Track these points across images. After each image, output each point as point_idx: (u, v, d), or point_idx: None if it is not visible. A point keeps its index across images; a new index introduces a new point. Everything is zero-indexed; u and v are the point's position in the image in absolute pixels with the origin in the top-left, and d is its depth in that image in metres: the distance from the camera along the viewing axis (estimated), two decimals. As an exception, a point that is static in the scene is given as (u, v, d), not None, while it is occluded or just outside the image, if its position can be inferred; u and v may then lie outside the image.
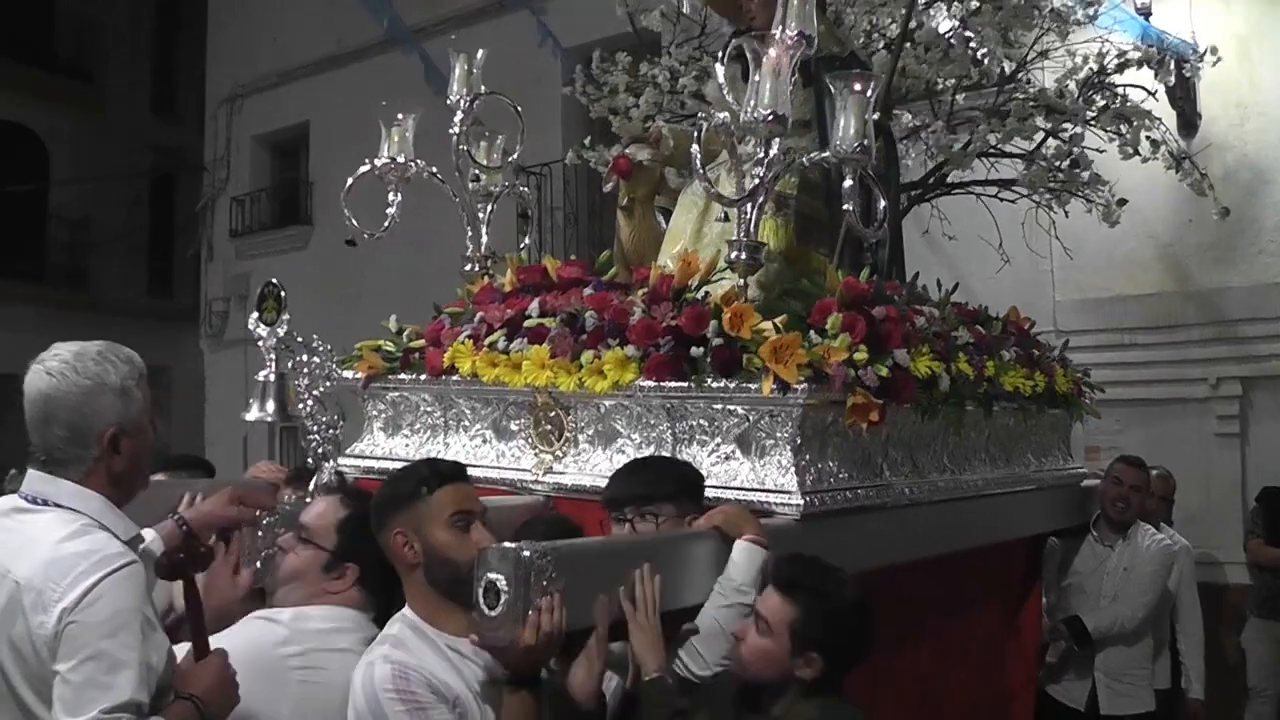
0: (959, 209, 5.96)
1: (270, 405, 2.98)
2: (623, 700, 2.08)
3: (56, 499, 1.86)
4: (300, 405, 2.84)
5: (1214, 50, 5.64)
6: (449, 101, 3.64)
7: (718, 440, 2.61)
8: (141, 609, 1.78)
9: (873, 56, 4.95)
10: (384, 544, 2.12)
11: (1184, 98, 6.36)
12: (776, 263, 3.12)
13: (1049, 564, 4.24)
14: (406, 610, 2.09)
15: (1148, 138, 5.25)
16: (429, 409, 3.24)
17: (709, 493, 2.47)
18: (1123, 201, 5.33)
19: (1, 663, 1.78)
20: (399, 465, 2.81)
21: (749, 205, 2.75)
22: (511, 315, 3.03)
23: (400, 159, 3.55)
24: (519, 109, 3.76)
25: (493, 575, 1.85)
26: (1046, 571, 4.21)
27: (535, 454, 2.94)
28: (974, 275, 5.51)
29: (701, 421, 2.63)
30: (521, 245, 4.04)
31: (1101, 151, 5.32)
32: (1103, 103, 5.28)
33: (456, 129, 3.61)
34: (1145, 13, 6.11)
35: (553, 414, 2.89)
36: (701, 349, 2.59)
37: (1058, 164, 5.21)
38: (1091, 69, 5.32)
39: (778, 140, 2.72)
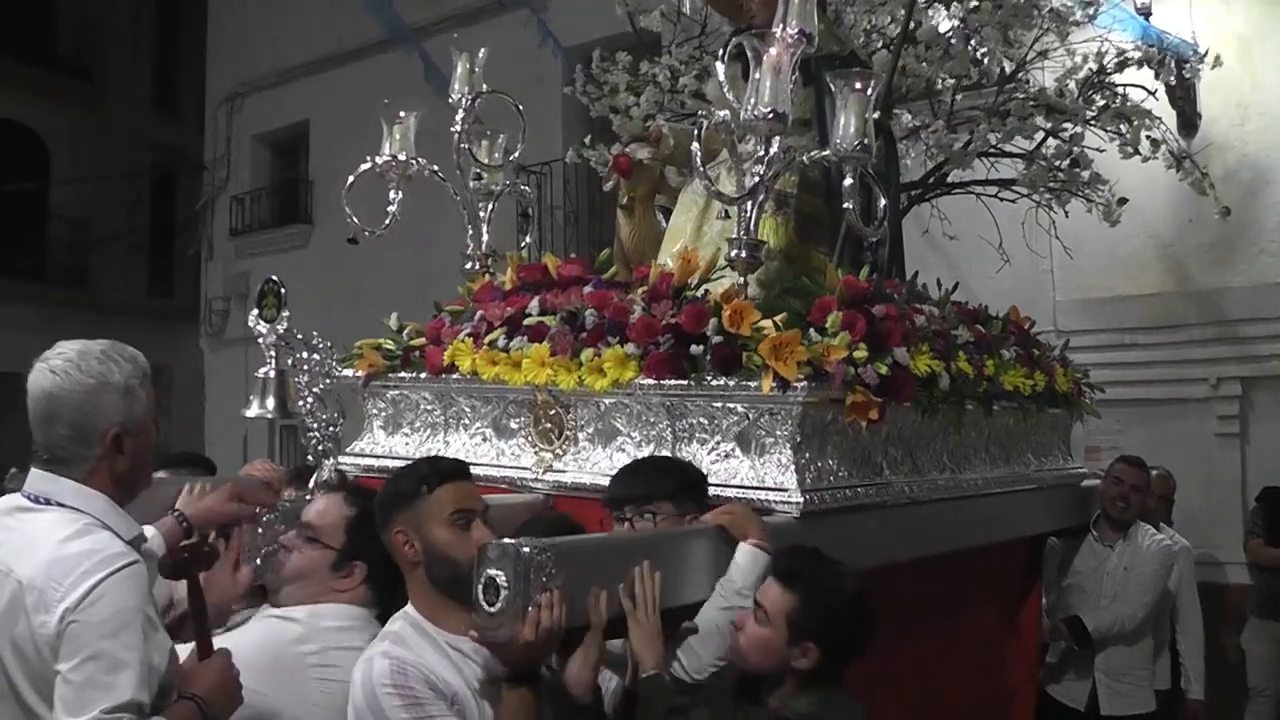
0: (959, 209, 5.96)
1: (270, 402, 2.98)
2: (623, 698, 2.08)
3: (59, 498, 1.85)
4: (300, 402, 2.84)
5: (1215, 55, 5.63)
6: (451, 100, 3.64)
7: (717, 438, 2.62)
8: (143, 609, 1.78)
9: (873, 56, 4.95)
10: (386, 542, 2.13)
11: (1184, 98, 6.36)
12: (776, 261, 3.12)
13: (1049, 564, 4.24)
14: (409, 608, 2.10)
15: (1148, 137, 5.25)
16: (429, 407, 3.24)
17: (709, 491, 2.47)
18: (1123, 200, 5.32)
19: (3, 662, 1.78)
20: (399, 464, 2.82)
21: (749, 203, 2.75)
22: (511, 313, 3.03)
23: (402, 157, 3.55)
24: (520, 108, 3.76)
25: (492, 571, 1.85)
26: (1047, 571, 4.21)
27: (535, 452, 2.94)
28: (974, 275, 5.51)
29: (701, 420, 2.64)
30: (522, 244, 4.04)
31: (1101, 151, 5.32)
32: (1103, 102, 5.28)
33: (458, 127, 3.61)
34: (1145, 12, 6.11)
35: (553, 412, 2.89)
36: (701, 347, 2.59)
37: (1058, 163, 5.21)
38: (1091, 69, 5.32)
39: (778, 138, 2.72)
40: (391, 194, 3.62)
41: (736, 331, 2.56)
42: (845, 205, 2.80)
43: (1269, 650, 5.51)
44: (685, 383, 2.60)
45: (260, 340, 2.97)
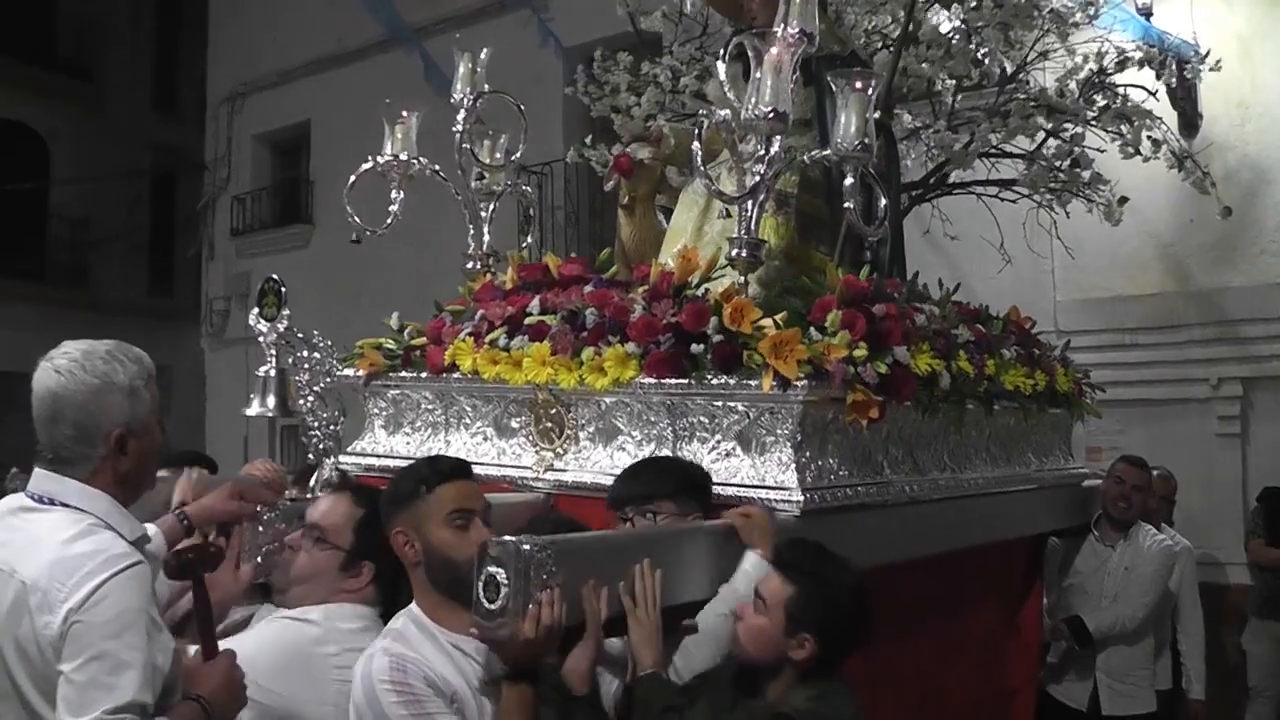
0: (960, 209, 5.96)
1: (271, 400, 2.98)
2: (623, 696, 2.08)
3: (63, 498, 1.85)
4: (301, 401, 2.84)
5: (1215, 57, 5.63)
6: (452, 100, 3.65)
7: (718, 437, 2.62)
8: (147, 609, 1.78)
9: (873, 56, 4.95)
10: (390, 542, 2.14)
11: (1185, 98, 6.36)
12: (777, 260, 3.12)
13: (1050, 564, 4.24)
14: (413, 606, 2.11)
15: (1149, 137, 5.25)
16: (430, 406, 3.24)
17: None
18: (1124, 200, 5.32)
19: (7, 662, 1.78)
20: (400, 463, 2.82)
21: (750, 203, 2.75)
22: (512, 313, 3.03)
23: (403, 157, 3.55)
24: (521, 108, 3.76)
25: (493, 569, 1.86)
26: (1047, 571, 4.21)
27: (536, 451, 2.94)
28: (975, 275, 5.51)
29: (702, 418, 2.64)
30: (523, 244, 4.04)
31: (1102, 151, 5.32)
32: (1103, 103, 5.28)
33: (460, 127, 3.61)
34: (1146, 13, 6.11)
35: (553, 411, 2.89)
36: (702, 346, 2.59)
37: (1058, 164, 5.21)
38: (1092, 69, 5.32)
39: (778, 138, 2.72)
40: (393, 194, 3.62)
41: (737, 330, 2.57)
42: (846, 205, 2.80)
43: (1269, 650, 5.51)
44: (686, 382, 2.60)
45: (261, 339, 2.98)
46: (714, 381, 2.57)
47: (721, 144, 3.28)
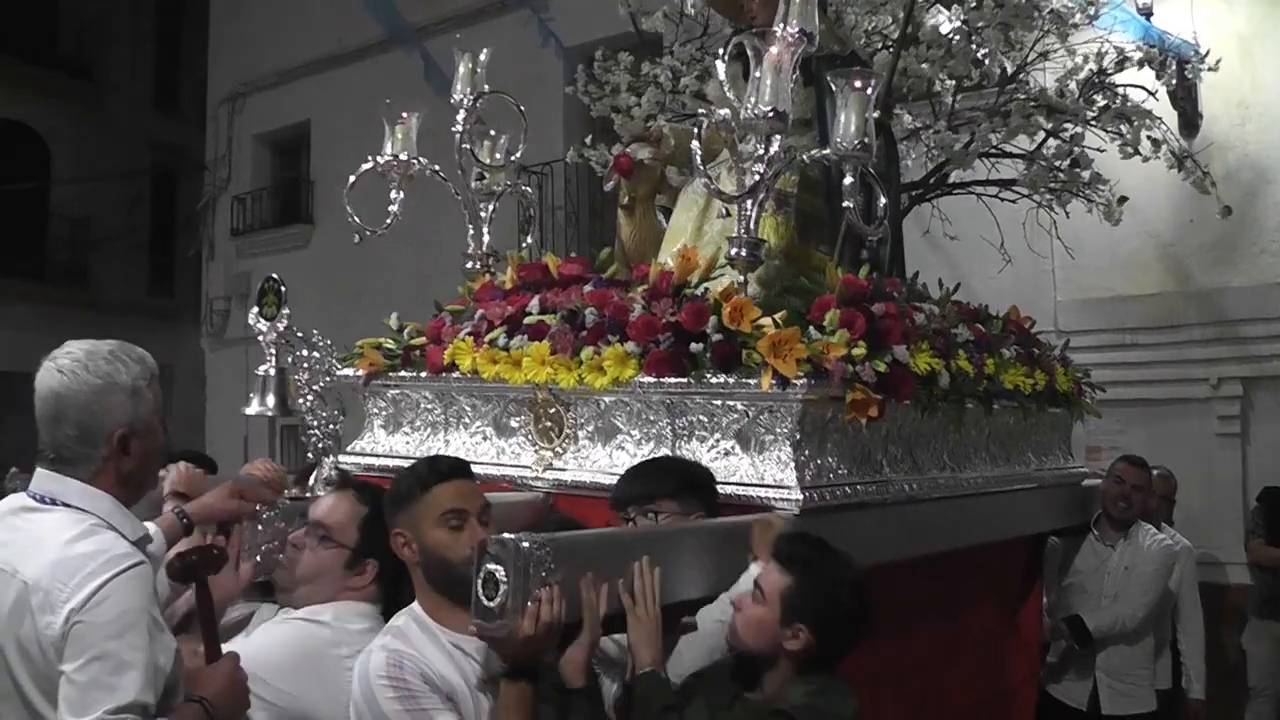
0: (960, 209, 5.96)
1: (270, 400, 2.98)
2: (623, 694, 2.08)
3: (65, 498, 1.85)
4: (300, 400, 2.84)
5: (1215, 57, 5.63)
6: (452, 100, 3.65)
7: (717, 436, 2.62)
8: (149, 609, 1.78)
9: (873, 57, 4.95)
10: (390, 543, 2.15)
11: (1185, 98, 6.36)
12: (776, 260, 3.12)
13: (1050, 563, 4.24)
14: (415, 604, 2.12)
15: (1148, 137, 5.25)
16: (429, 406, 3.24)
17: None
18: (1123, 199, 5.32)
19: (9, 662, 1.78)
20: (399, 463, 2.83)
21: (749, 202, 2.76)
22: (512, 312, 3.03)
23: (403, 157, 3.55)
24: (521, 108, 3.77)
25: (492, 566, 1.86)
26: (1047, 570, 4.21)
27: (535, 450, 2.94)
28: (975, 275, 5.51)
29: (701, 417, 2.64)
30: (523, 244, 4.04)
31: (1102, 151, 5.32)
32: (1103, 102, 5.28)
33: (460, 128, 3.61)
34: (1146, 13, 6.11)
35: (553, 410, 2.89)
36: (701, 345, 2.59)
37: (1058, 164, 5.21)
38: (1092, 70, 5.32)
39: (778, 137, 2.72)
40: (393, 194, 3.62)
41: (736, 329, 2.57)
42: (845, 204, 2.80)
43: (1269, 650, 5.51)
44: (685, 380, 2.60)
45: (261, 338, 2.98)
46: (713, 380, 2.57)
47: (721, 144, 3.28)
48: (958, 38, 4.97)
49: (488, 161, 3.71)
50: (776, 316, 2.59)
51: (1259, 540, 5.58)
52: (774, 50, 2.68)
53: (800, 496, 2.44)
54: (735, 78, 3.09)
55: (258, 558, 2.47)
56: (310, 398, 2.82)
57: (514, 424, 3.02)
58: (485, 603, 1.86)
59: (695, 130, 2.91)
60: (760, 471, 2.53)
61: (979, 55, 5.06)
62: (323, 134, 12.34)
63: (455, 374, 3.07)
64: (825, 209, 3.29)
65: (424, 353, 3.19)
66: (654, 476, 2.44)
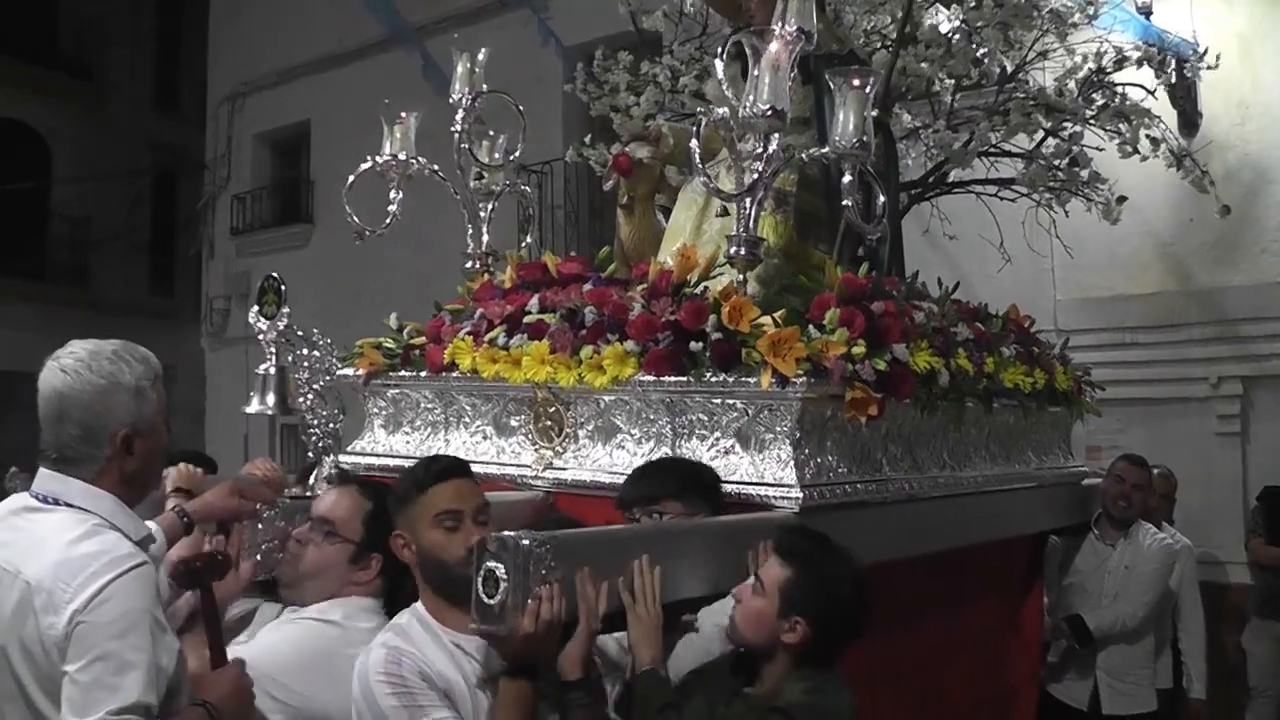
0: (959, 208, 5.96)
1: (270, 398, 2.98)
2: (623, 693, 2.09)
3: (68, 498, 1.85)
4: (300, 399, 2.84)
5: (1215, 55, 5.63)
6: (451, 100, 3.65)
7: (717, 434, 2.62)
8: (152, 610, 1.78)
9: (872, 56, 4.95)
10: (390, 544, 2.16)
11: (1185, 97, 6.35)
12: (776, 258, 3.12)
13: (1050, 562, 4.24)
14: (418, 604, 2.12)
15: (1148, 136, 5.25)
16: (429, 405, 3.24)
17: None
18: (1122, 199, 5.32)
19: (12, 663, 1.78)
20: (400, 462, 2.83)
21: (748, 200, 2.76)
22: (511, 311, 3.03)
23: (402, 156, 3.55)
24: (520, 108, 3.77)
25: (492, 564, 1.86)
26: (1048, 570, 4.21)
27: (535, 450, 2.94)
28: (975, 274, 5.51)
29: (701, 416, 2.64)
30: (523, 244, 4.04)
31: (1101, 150, 5.32)
32: (1102, 101, 5.28)
33: (459, 127, 3.61)
34: (1146, 12, 6.11)
35: (552, 409, 2.89)
36: (701, 343, 2.59)
37: (1057, 163, 5.21)
38: (1091, 69, 5.32)
39: (777, 135, 2.72)
40: (392, 194, 3.63)
41: (736, 328, 2.57)
42: (844, 203, 2.80)
43: (1270, 650, 5.51)
44: (685, 379, 2.60)
45: (261, 337, 2.98)
46: (713, 379, 2.57)
47: (720, 142, 3.28)
48: (957, 37, 4.97)
49: (487, 161, 3.71)
50: (776, 315, 2.59)
51: (1259, 539, 5.58)
52: (772, 49, 2.68)
53: (800, 495, 2.44)
54: (734, 77, 3.09)
55: (258, 557, 2.47)
56: (310, 397, 2.81)
57: (514, 423, 3.03)
58: (485, 601, 1.86)
59: (694, 129, 2.91)
60: (760, 470, 2.53)
61: (978, 54, 5.07)
62: (323, 134, 12.34)
63: (455, 373, 3.07)
64: (824, 208, 3.29)
65: (424, 352, 3.19)
66: (659, 477, 2.45)
